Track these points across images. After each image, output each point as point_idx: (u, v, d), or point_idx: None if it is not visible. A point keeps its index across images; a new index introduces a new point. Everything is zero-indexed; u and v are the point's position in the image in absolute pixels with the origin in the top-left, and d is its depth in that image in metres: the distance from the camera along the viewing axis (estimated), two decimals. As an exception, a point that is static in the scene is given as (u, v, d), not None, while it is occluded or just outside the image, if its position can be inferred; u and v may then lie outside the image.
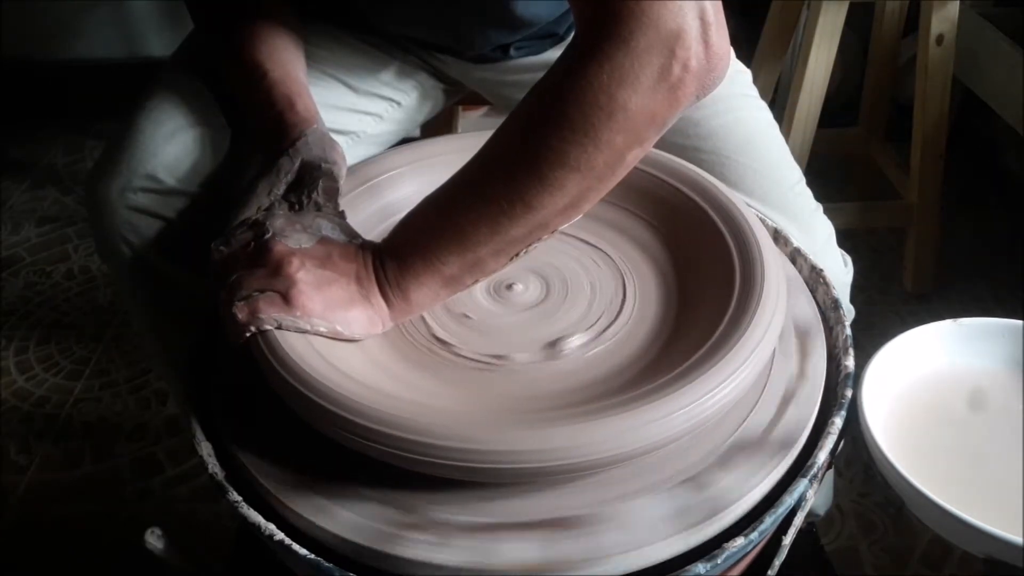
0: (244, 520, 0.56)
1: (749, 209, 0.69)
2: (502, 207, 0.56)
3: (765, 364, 0.59)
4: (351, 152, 0.86)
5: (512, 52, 0.88)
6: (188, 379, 0.65)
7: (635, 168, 0.73)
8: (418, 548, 0.53)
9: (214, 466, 0.59)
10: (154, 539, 0.66)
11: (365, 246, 0.63)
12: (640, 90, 0.52)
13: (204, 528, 1.19)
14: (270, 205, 0.65)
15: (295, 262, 0.59)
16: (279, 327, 0.58)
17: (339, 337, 0.59)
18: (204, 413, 0.62)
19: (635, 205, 0.74)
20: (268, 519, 0.55)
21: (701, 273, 0.67)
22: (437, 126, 1.20)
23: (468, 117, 1.52)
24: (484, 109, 1.50)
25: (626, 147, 0.54)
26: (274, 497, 0.56)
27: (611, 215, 0.74)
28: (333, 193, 0.66)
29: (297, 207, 0.65)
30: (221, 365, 0.65)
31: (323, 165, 0.66)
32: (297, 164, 0.67)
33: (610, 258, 0.70)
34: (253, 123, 0.73)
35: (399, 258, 0.61)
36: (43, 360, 1.48)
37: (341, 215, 0.65)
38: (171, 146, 0.76)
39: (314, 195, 0.65)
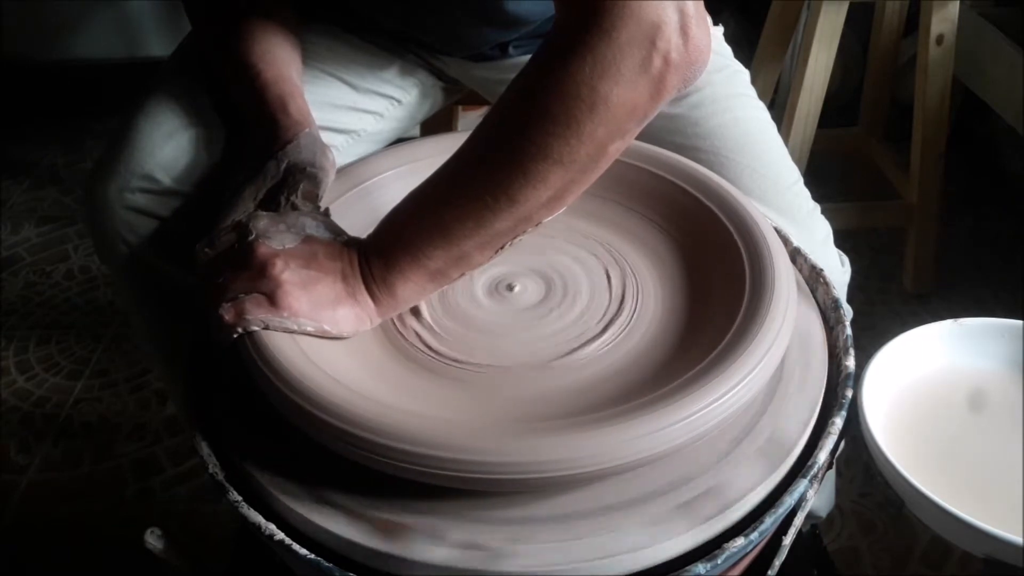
0: (244, 520, 0.56)
1: (764, 217, 0.69)
2: (486, 201, 0.57)
3: (774, 372, 0.59)
4: (351, 151, 0.87)
5: (511, 51, 0.88)
6: (187, 379, 0.65)
7: (643, 168, 0.73)
8: (418, 548, 0.53)
9: (214, 466, 0.59)
10: (154, 539, 0.66)
11: (350, 243, 0.63)
12: (622, 82, 0.52)
13: (204, 528, 1.19)
14: (254, 208, 0.65)
15: (279, 263, 0.59)
16: (266, 328, 0.58)
17: (327, 336, 0.60)
18: (203, 413, 0.62)
19: (643, 206, 0.73)
20: (268, 519, 0.55)
21: (709, 276, 0.67)
22: (437, 125, 1.20)
23: (468, 117, 1.52)
24: (484, 109, 1.50)
25: (608, 139, 0.55)
26: (274, 497, 0.56)
27: (617, 216, 0.73)
28: (312, 197, 0.66)
29: (273, 208, 0.65)
30: (220, 365, 0.65)
31: (308, 169, 0.66)
32: (283, 167, 0.67)
33: (613, 260, 0.70)
34: (247, 124, 0.73)
35: (384, 254, 0.61)
36: (43, 360, 1.48)
37: (325, 213, 0.65)
38: (168, 146, 0.76)
39: (292, 197, 0.65)
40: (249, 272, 0.59)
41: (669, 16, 0.52)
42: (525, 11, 0.82)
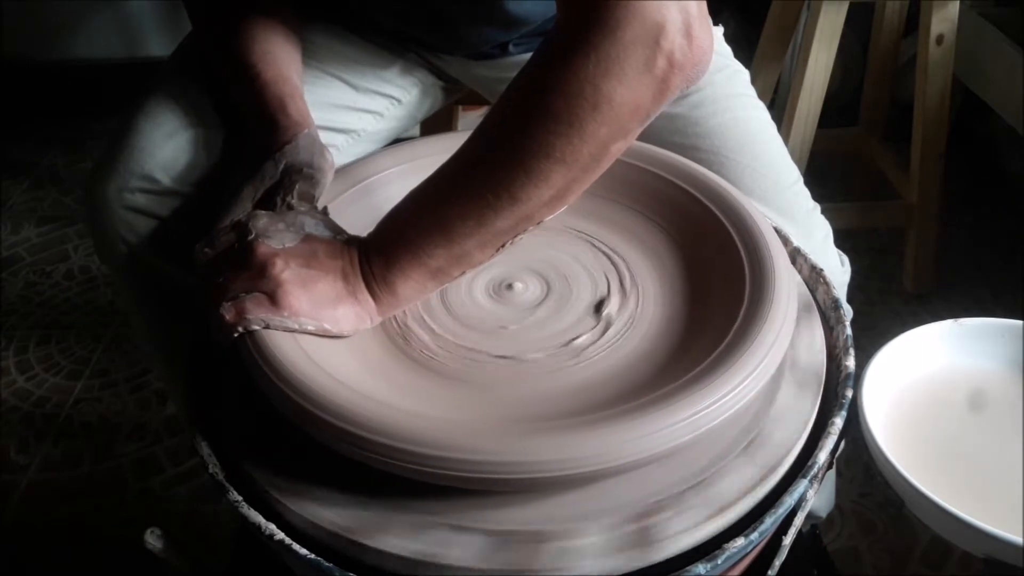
0: (244, 520, 0.56)
1: (764, 217, 0.69)
2: (488, 200, 0.56)
3: (774, 372, 0.59)
4: (351, 150, 0.87)
5: (511, 49, 0.88)
6: (187, 379, 0.65)
7: (643, 168, 0.73)
8: (419, 548, 0.53)
9: (214, 466, 0.59)
10: (154, 539, 0.66)
11: (350, 242, 0.63)
12: (625, 81, 0.52)
13: (204, 528, 1.19)
14: (252, 209, 0.65)
15: (279, 263, 0.59)
16: (267, 327, 0.58)
17: (327, 335, 0.60)
18: (203, 413, 0.62)
19: (643, 206, 0.73)
20: (268, 519, 0.55)
21: (709, 277, 0.67)
22: (437, 125, 1.20)
23: (468, 117, 1.52)
24: (484, 109, 1.50)
25: (610, 139, 0.55)
26: (274, 497, 0.56)
27: (617, 215, 0.73)
28: (309, 198, 0.66)
29: (270, 209, 0.65)
30: (220, 364, 0.65)
31: (305, 170, 0.66)
32: (281, 168, 0.67)
33: (613, 259, 0.70)
34: (246, 124, 0.73)
35: (385, 252, 0.61)
36: (43, 360, 1.48)
37: (324, 212, 0.65)
38: (168, 146, 0.76)
39: (288, 198, 0.65)
40: (249, 272, 0.59)
41: (673, 16, 0.52)
42: (526, 11, 0.82)
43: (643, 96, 0.53)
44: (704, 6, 0.54)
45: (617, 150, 0.56)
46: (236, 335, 0.58)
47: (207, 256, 0.63)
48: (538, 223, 0.59)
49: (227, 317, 0.58)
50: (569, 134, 0.54)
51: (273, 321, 0.58)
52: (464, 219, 0.58)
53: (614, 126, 0.54)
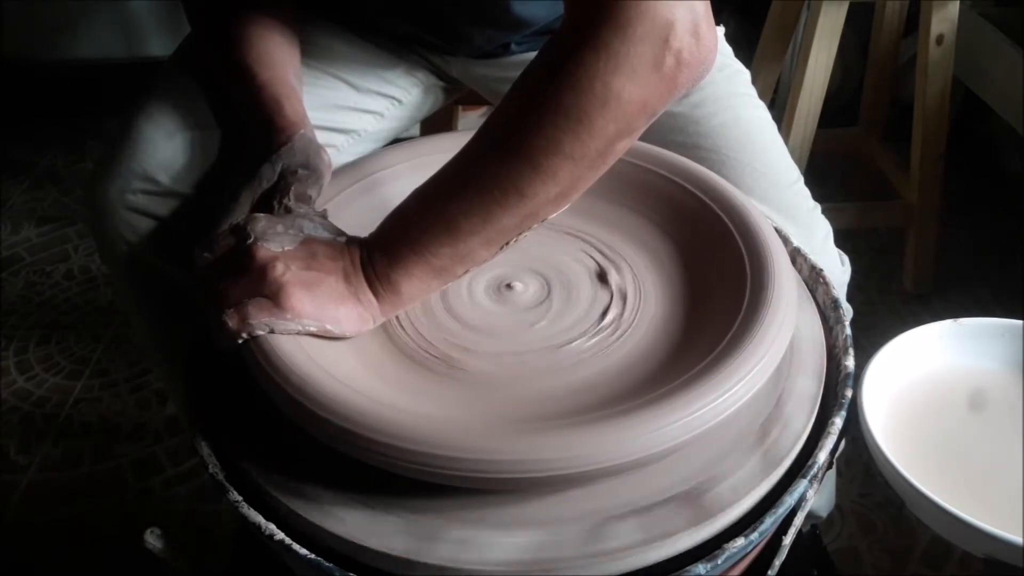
0: (244, 520, 0.56)
1: (764, 216, 0.69)
2: (495, 196, 0.57)
3: (773, 371, 0.59)
4: (352, 150, 0.87)
5: (512, 48, 0.88)
6: (187, 379, 0.65)
7: (644, 167, 0.74)
8: (419, 547, 0.53)
9: (214, 466, 0.59)
10: (154, 539, 0.66)
11: (351, 242, 0.62)
12: (634, 79, 0.53)
13: (204, 528, 1.19)
14: (250, 212, 0.65)
15: (279, 266, 0.59)
16: (271, 332, 0.58)
17: (329, 335, 0.59)
18: (203, 413, 0.62)
19: (643, 205, 0.73)
20: (268, 519, 0.55)
21: (709, 276, 0.67)
22: (437, 124, 1.20)
23: (468, 117, 1.52)
24: (484, 109, 1.51)
25: (617, 136, 0.55)
26: (274, 497, 0.56)
27: (617, 215, 0.73)
28: (305, 199, 0.66)
29: (268, 211, 0.65)
30: (220, 365, 0.65)
31: (300, 172, 0.66)
32: (278, 170, 0.67)
33: (613, 259, 0.70)
34: (245, 126, 0.73)
35: (388, 251, 0.61)
36: (43, 360, 1.48)
37: (323, 214, 0.65)
38: (169, 147, 0.76)
39: (286, 200, 0.65)
40: (249, 276, 0.59)
41: (682, 15, 0.52)
42: (531, 13, 0.82)
43: (651, 94, 0.54)
44: (709, 6, 0.54)
45: (623, 147, 0.57)
46: (241, 341, 0.58)
47: (206, 261, 0.62)
48: (541, 221, 0.59)
49: (230, 324, 0.58)
50: (578, 130, 0.54)
51: (278, 325, 0.57)
52: (469, 216, 0.58)
53: (622, 123, 0.54)
